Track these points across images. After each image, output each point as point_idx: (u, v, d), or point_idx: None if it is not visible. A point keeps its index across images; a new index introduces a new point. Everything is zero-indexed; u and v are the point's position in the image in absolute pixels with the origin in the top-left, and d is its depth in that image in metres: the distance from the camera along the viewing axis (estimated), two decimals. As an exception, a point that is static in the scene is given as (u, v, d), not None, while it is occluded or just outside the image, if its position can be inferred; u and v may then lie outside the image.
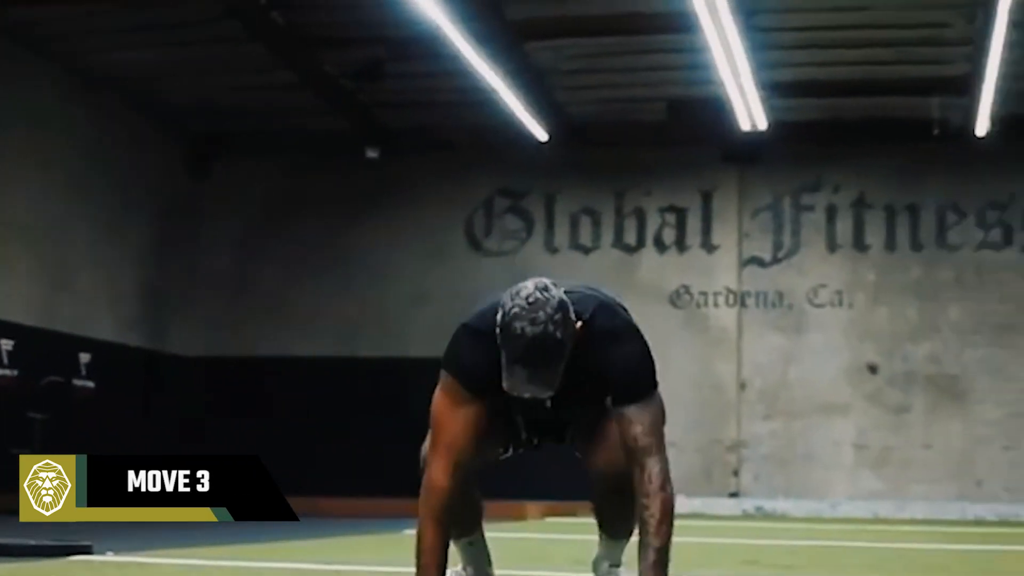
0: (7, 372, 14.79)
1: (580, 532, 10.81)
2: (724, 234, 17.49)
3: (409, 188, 17.95)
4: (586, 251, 17.75)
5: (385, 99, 16.33)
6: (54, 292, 15.81)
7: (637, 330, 3.82)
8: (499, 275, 17.76)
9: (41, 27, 14.38)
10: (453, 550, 4.30)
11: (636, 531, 3.82)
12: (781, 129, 16.35)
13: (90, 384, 16.06)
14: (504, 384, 3.59)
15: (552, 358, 3.57)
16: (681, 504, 15.54)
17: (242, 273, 18.30)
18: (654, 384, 3.78)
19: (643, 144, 17.37)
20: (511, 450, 4.23)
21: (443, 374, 3.84)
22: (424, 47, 14.12)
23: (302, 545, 7.56)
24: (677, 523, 3.77)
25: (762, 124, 15.72)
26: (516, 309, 3.55)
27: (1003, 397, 16.74)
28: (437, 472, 3.76)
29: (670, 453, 13.90)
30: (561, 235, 17.83)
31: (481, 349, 3.72)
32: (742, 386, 17.12)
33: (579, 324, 3.66)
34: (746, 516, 16.59)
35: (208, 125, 17.78)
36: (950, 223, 17.09)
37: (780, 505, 16.89)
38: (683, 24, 13.28)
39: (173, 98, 16.71)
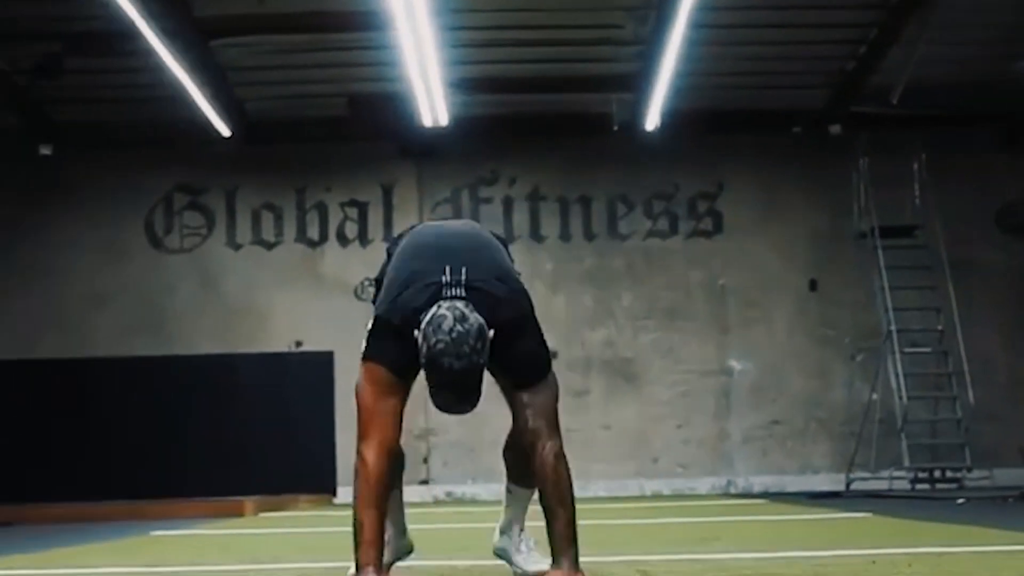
0: None
1: (292, 525, 10.93)
2: (406, 227, 17.74)
3: (86, 186, 17.60)
4: (269, 246, 17.77)
5: (61, 95, 15.90)
6: None
7: (532, 311, 4.20)
8: (181, 272, 17.66)
9: None
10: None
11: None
12: (460, 124, 16.74)
13: None
14: (433, 402, 3.89)
15: (476, 382, 3.89)
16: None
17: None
18: (547, 369, 4.13)
19: (323, 139, 17.52)
20: None
21: (367, 363, 4.06)
22: (107, 42, 13.91)
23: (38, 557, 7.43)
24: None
25: (444, 119, 16.07)
26: (441, 345, 3.80)
27: (673, 378, 17.63)
28: (371, 457, 3.97)
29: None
30: (243, 230, 17.79)
31: (400, 343, 3.97)
32: (427, 376, 17.44)
33: (491, 333, 3.92)
34: (437, 502, 16.95)
35: None
36: (620, 213, 17.87)
37: (469, 490, 17.34)
38: (366, 22, 13.54)
39: None
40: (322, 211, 17.85)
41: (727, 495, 16.88)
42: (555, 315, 17.61)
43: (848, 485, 16.24)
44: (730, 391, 17.65)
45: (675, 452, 17.53)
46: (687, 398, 17.60)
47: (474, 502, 16.72)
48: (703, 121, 17.04)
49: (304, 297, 17.66)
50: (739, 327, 17.71)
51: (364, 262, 17.70)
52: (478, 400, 3.95)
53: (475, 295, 4.01)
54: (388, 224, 17.77)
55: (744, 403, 17.60)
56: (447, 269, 4.05)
